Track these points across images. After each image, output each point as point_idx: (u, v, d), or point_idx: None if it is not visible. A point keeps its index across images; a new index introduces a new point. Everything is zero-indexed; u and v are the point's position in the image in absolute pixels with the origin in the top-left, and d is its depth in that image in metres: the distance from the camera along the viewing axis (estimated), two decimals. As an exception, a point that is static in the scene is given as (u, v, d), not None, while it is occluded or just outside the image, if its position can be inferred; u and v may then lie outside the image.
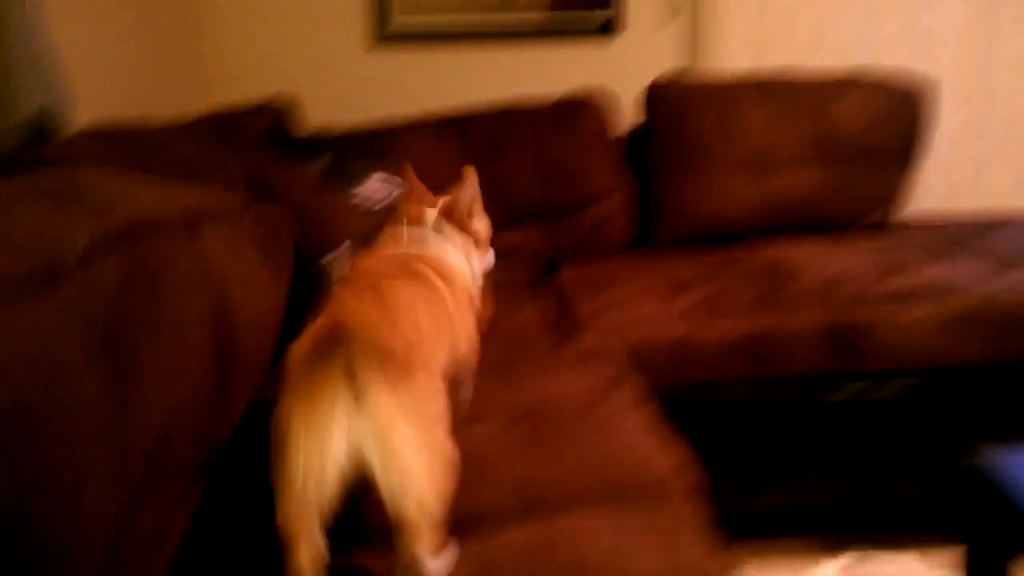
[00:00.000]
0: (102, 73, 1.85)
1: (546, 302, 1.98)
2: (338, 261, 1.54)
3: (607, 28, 2.66)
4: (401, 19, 2.62)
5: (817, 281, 1.91)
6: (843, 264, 2.00)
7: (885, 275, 1.94)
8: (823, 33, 2.62)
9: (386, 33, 2.63)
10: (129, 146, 1.39)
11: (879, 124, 2.32)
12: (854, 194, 2.34)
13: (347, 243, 1.58)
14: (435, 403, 0.95)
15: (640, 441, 1.25)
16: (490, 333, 1.71)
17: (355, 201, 1.81)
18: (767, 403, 1.79)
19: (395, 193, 1.83)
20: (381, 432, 0.83)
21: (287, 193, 1.57)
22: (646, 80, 2.43)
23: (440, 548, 0.92)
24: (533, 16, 2.65)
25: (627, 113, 2.46)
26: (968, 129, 2.71)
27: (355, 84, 2.64)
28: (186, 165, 1.43)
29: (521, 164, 2.30)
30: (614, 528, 1.02)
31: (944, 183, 2.73)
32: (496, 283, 1.40)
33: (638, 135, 2.41)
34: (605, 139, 2.38)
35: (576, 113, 2.37)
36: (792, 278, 1.94)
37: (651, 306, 1.85)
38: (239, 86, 2.52)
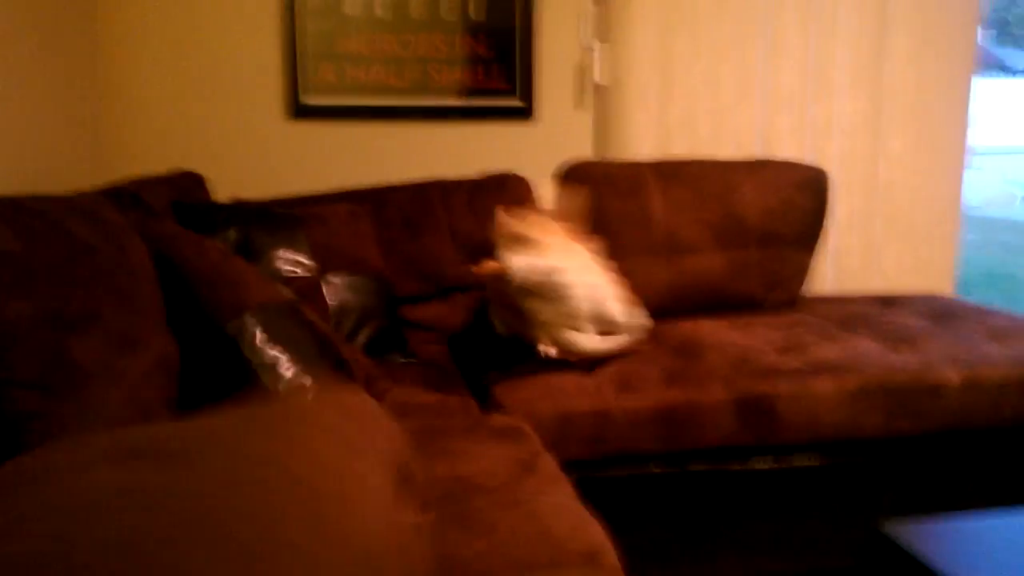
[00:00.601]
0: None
1: (458, 377, 1.96)
2: (248, 334, 1.49)
3: (520, 113, 2.73)
4: (314, 97, 2.63)
5: (725, 358, 1.96)
6: (749, 342, 2.06)
7: (788, 352, 2.01)
8: (723, 124, 2.76)
9: (300, 108, 2.63)
10: (18, 218, 1.32)
11: (778, 210, 2.44)
12: (758, 276, 2.43)
13: (254, 321, 1.52)
14: None
15: (561, 519, 1.23)
16: (405, 408, 1.69)
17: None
18: (682, 476, 1.80)
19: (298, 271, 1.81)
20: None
21: (193, 260, 1.52)
22: (556, 164, 2.50)
23: None
24: (448, 100, 2.70)
25: (541, 195, 2.51)
26: (856, 218, 2.87)
27: (268, 158, 2.62)
28: (81, 244, 1.36)
29: (439, 240, 2.30)
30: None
31: (835, 268, 2.88)
32: None
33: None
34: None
35: (494, 192, 2.41)
36: (701, 355, 1.99)
37: (565, 381, 1.86)
38: (147, 161, 2.46)
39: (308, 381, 1.52)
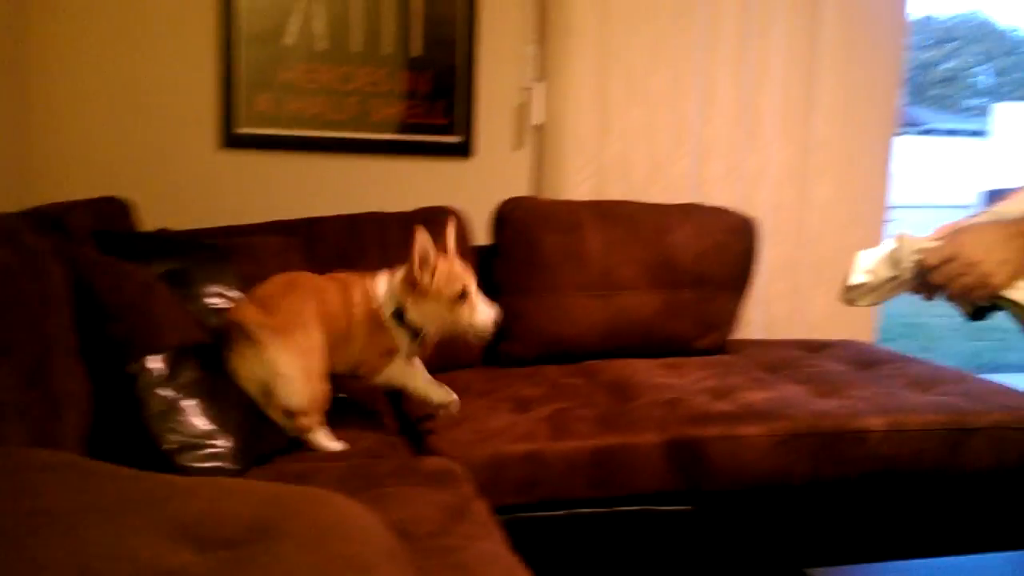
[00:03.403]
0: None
1: (391, 418, 1.91)
2: (147, 376, 1.43)
3: (458, 151, 2.73)
4: (249, 127, 2.59)
5: (657, 402, 1.97)
6: (682, 384, 2.08)
7: (719, 397, 2.03)
8: (658, 170, 2.81)
9: (234, 137, 2.58)
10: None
11: (711, 254, 2.48)
12: (691, 317, 2.46)
13: (161, 365, 1.46)
14: (309, 347, 1.64)
15: (490, 569, 1.20)
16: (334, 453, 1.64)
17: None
18: (612, 517, 1.79)
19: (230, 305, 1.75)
20: (266, 361, 1.58)
21: (107, 292, 1.46)
22: (495, 202, 2.50)
23: (317, 427, 1.64)
24: (386, 135, 2.69)
25: (477, 234, 2.50)
26: (784, 265, 2.94)
27: (199, 187, 2.55)
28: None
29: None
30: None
31: (763, 314, 2.93)
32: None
33: (485, 255, 2.45)
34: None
35: (430, 228, 2.37)
36: (635, 397, 1.99)
37: (497, 424, 1.84)
38: (75, 187, 2.35)
39: (224, 441, 1.47)
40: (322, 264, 2.22)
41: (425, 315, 1.72)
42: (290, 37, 2.60)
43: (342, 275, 1.80)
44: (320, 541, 0.73)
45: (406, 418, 1.93)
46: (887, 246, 1.28)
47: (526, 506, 1.74)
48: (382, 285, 1.75)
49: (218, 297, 1.85)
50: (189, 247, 1.98)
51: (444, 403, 1.78)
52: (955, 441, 1.92)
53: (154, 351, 1.46)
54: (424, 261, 1.68)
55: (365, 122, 2.68)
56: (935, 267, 1.21)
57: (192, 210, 2.44)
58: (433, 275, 1.68)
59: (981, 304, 1.22)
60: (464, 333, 1.73)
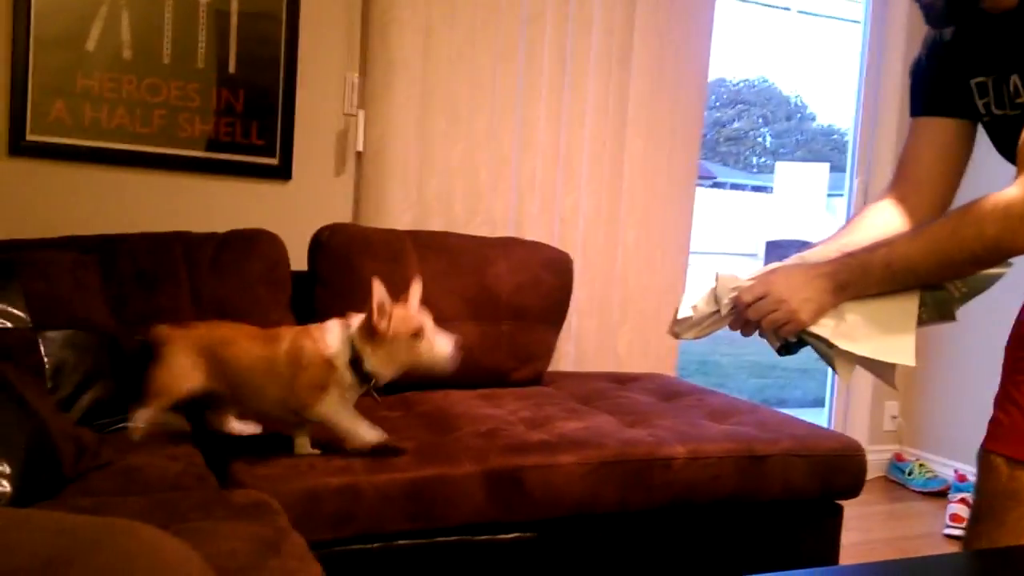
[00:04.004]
0: None
1: (195, 449, 1.79)
2: None
3: (276, 173, 2.64)
4: (42, 135, 2.37)
5: (475, 432, 1.97)
6: (499, 414, 2.09)
7: (535, 427, 2.07)
8: (477, 204, 2.85)
9: (23, 145, 2.35)
10: None
11: (528, 287, 2.54)
12: (508, 349, 2.50)
13: None
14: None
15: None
16: (131, 481, 1.52)
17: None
18: (430, 548, 1.77)
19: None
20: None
21: None
22: (313, 228, 2.43)
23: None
24: (195, 152, 2.55)
25: (294, 259, 2.42)
26: (595, 302, 3.06)
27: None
28: None
29: (175, 298, 2.12)
30: None
31: (576, 347, 3.03)
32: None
33: (303, 280, 2.37)
34: (271, 281, 2.30)
35: (242, 251, 2.27)
36: (453, 428, 1.98)
37: (312, 457, 1.77)
38: None
39: (4, 466, 1.32)
40: (122, 283, 2.07)
41: (385, 359, 1.75)
42: (93, 43, 2.42)
43: (284, 328, 1.86)
44: (126, 574, 0.66)
45: (214, 450, 1.81)
46: (709, 284, 1.36)
47: (343, 540, 1.67)
48: (333, 333, 1.77)
49: (2, 316, 1.67)
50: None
51: (378, 443, 1.78)
52: (748, 467, 2.06)
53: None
54: (382, 310, 1.72)
55: (173, 137, 2.53)
56: (748, 304, 1.31)
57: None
58: (390, 321, 1.73)
59: (789, 339, 1.33)
60: (428, 369, 1.77)
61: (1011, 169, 1.27)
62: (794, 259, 1.38)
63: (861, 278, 1.28)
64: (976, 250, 1.23)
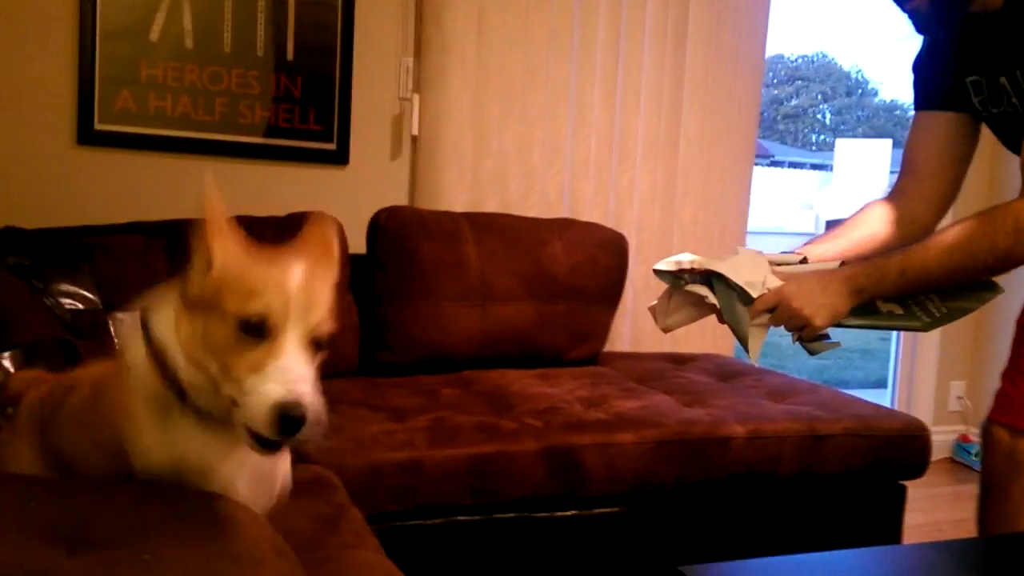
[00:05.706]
0: None
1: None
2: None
3: (333, 158, 2.68)
4: (110, 124, 2.45)
5: (534, 410, 1.99)
6: (557, 394, 2.11)
7: (592, 406, 2.07)
8: (532, 185, 2.85)
9: (92, 134, 2.43)
10: None
11: (584, 267, 2.54)
12: (564, 329, 2.50)
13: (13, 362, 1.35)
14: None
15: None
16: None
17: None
18: (489, 524, 1.80)
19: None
20: None
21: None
22: (370, 211, 2.46)
23: None
24: (258, 138, 2.61)
25: (352, 242, 2.46)
26: (651, 282, 3.04)
27: (53, 185, 2.38)
28: None
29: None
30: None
31: (631, 328, 3.02)
32: None
33: (361, 263, 2.41)
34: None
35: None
36: (510, 407, 2.00)
37: (374, 432, 1.80)
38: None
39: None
40: (184, 266, 2.13)
41: (196, 350, 0.92)
42: (156, 34, 2.48)
43: None
44: (207, 539, 0.69)
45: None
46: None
47: (404, 514, 1.71)
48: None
49: (74, 298, 1.74)
50: (41, 244, 1.85)
51: None
52: (809, 446, 2.04)
53: (4, 348, 1.35)
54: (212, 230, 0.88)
55: (234, 124, 2.59)
56: (763, 312, 1.41)
57: (46, 209, 2.28)
58: (211, 267, 0.88)
59: (809, 342, 1.42)
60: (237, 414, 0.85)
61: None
62: (789, 255, 1.49)
63: (877, 283, 1.35)
64: (988, 262, 1.30)
